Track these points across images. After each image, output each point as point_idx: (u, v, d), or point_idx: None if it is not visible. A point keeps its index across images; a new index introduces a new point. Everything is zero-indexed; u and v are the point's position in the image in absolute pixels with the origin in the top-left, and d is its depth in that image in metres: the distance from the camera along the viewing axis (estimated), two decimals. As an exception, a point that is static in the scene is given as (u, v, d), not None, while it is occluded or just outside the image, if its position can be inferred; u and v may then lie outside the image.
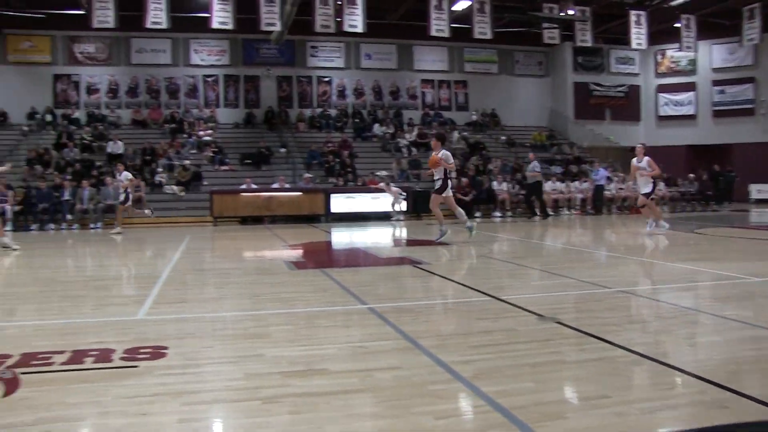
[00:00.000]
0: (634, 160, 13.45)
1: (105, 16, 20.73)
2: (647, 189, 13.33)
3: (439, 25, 22.96)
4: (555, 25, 24.99)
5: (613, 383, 3.64)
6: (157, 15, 20.77)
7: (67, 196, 19.09)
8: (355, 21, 22.12)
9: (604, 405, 3.29)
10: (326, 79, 28.34)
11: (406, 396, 3.50)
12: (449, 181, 12.32)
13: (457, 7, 24.01)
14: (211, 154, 23.37)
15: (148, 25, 20.92)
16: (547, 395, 3.49)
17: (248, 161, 23.27)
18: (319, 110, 27.73)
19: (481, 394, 3.46)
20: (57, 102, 26.65)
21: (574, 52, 29.82)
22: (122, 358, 4.35)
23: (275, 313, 5.88)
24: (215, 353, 4.49)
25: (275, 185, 20.05)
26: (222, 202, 19.06)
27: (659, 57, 31.34)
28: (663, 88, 31.37)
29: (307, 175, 21.20)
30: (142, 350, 4.54)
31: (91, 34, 26.09)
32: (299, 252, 11.52)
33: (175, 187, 20.92)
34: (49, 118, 25.80)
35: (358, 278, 8.11)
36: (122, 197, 16.96)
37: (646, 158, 13.31)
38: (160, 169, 21.82)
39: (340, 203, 19.53)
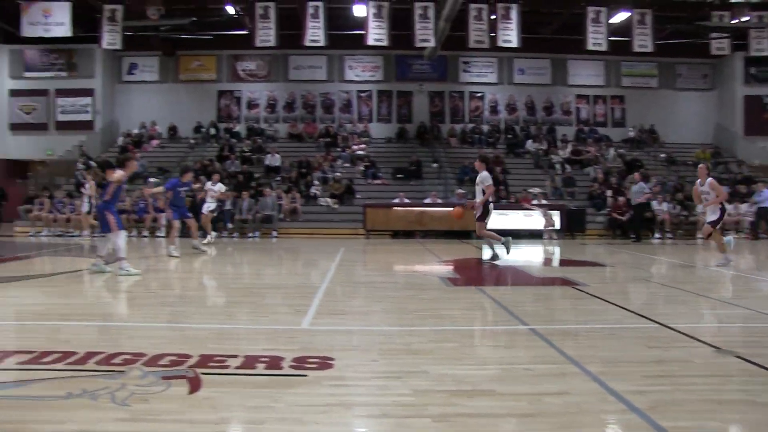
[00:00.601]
0: (697, 182, 12.00)
1: (266, 35, 21.73)
2: (714, 216, 11.49)
3: (596, 39, 22.23)
4: (725, 35, 23.50)
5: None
6: (315, 33, 21.54)
7: (228, 205, 20.13)
8: (509, 36, 21.88)
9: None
10: (479, 95, 28.26)
11: (579, 424, 3.40)
12: (490, 206, 12.02)
13: (616, 19, 23.05)
14: (364, 168, 23.90)
15: (306, 43, 21.73)
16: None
17: (400, 175, 23.61)
18: (471, 126, 27.66)
19: (660, 429, 3.28)
20: (220, 116, 28.40)
21: (745, 63, 27.75)
22: (291, 366, 4.51)
23: (436, 330, 5.89)
24: (381, 367, 4.55)
25: (427, 200, 20.21)
26: (375, 215, 19.43)
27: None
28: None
29: (459, 190, 21.19)
30: (309, 360, 4.68)
31: (253, 53, 27.62)
32: (454, 268, 11.50)
33: (329, 200, 21.55)
34: (213, 131, 27.60)
35: (515, 297, 7.98)
36: (213, 206, 17.02)
37: (709, 180, 11.56)
38: (316, 182, 22.56)
39: (491, 220, 19.22)
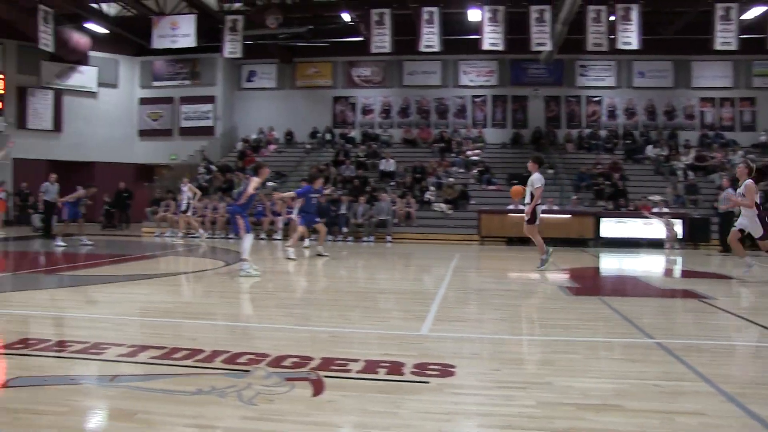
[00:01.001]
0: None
1: (382, 41, 21.98)
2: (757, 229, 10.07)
3: (725, 37, 21.05)
4: None
5: None
6: (430, 39, 21.61)
7: (343, 210, 20.48)
8: (629, 38, 21.15)
9: None
10: (596, 99, 27.44)
11: (718, 447, 3.24)
12: (539, 209, 11.61)
13: (748, 15, 21.74)
14: (479, 174, 23.74)
15: (421, 49, 21.82)
16: None
17: (515, 181, 23.22)
18: (588, 131, 26.91)
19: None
20: (335, 122, 29.00)
21: None
22: (413, 373, 4.53)
23: (558, 340, 5.77)
24: (503, 377, 4.50)
25: (543, 207, 19.78)
26: (489, 221, 19.26)
27: None
28: None
29: (575, 197, 20.69)
30: (430, 366, 4.69)
31: (368, 59, 28.05)
32: (572, 276, 11.22)
33: (443, 205, 21.53)
34: (328, 136, 28.18)
35: (638, 309, 7.70)
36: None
37: (747, 182, 10.11)
38: (430, 188, 22.60)
39: (610, 228, 18.78)
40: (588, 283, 10.88)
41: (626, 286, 10.76)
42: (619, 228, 18.85)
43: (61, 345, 5.28)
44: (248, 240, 10.34)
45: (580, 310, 7.44)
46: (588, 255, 16.00)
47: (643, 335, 5.92)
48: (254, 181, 10.36)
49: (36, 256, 13.60)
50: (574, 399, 3.95)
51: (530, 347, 5.42)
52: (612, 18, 21.11)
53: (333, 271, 12.19)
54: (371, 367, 4.67)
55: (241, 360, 4.79)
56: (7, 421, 3.51)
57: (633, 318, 6.71)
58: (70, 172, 27.43)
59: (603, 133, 26.79)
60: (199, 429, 3.43)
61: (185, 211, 19.68)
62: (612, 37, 21.24)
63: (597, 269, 13.69)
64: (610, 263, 15.14)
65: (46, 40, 22.33)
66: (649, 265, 14.59)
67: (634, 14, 20.93)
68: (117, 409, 3.72)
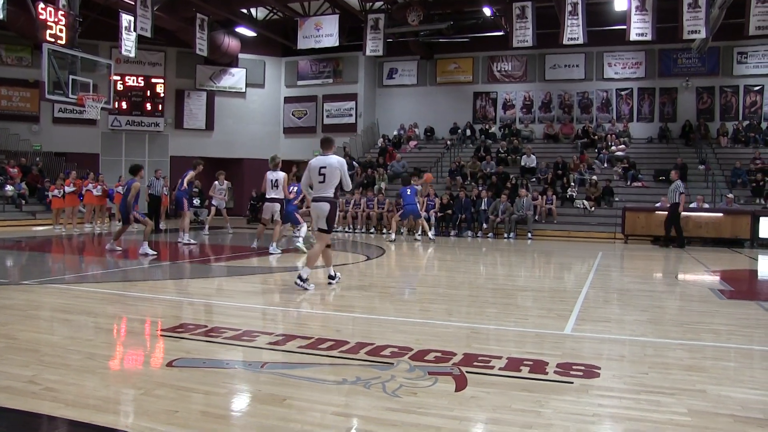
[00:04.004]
0: None
1: (524, 35, 21.53)
2: None
3: None
4: None
5: None
6: (573, 31, 20.92)
7: (484, 206, 20.32)
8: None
9: None
10: (756, 88, 25.43)
11: None
12: None
13: None
14: (623, 170, 22.84)
15: (565, 42, 21.16)
16: None
17: (662, 178, 22.19)
18: (745, 123, 25.10)
19: None
20: (476, 117, 28.79)
21: None
22: (556, 372, 4.45)
23: (711, 346, 5.45)
24: (651, 381, 4.31)
25: (693, 205, 18.77)
26: (634, 219, 18.49)
27: None
28: None
29: (729, 195, 19.43)
30: (574, 367, 4.59)
31: (509, 53, 27.63)
32: (725, 278, 10.57)
33: (585, 202, 20.92)
34: (468, 132, 28.00)
35: (802, 315, 7.13)
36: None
37: None
38: (572, 184, 22.01)
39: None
40: (743, 287, 10.22)
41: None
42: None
43: (216, 331, 5.61)
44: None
45: (735, 316, 6.98)
46: (743, 256, 14.98)
47: (809, 345, 5.48)
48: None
49: (185, 249, 14.39)
50: (730, 410, 3.72)
51: (681, 352, 5.13)
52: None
53: (472, 266, 12.12)
54: (514, 364, 4.63)
55: (385, 353, 4.88)
56: (174, 397, 3.79)
57: (797, 325, 6.24)
58: (221, 168, 29.10)
59: (764, 125, 24.88)
60: (345, 418, 3.53)
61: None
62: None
63: (754, 272, 12.80)
64: (770, 266, 14.12)
65: (201, 46, 23.77)
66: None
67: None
68: (268, 394, 3.89)
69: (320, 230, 8.32)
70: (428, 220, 20.28)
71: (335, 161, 8.16)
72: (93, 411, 3.51)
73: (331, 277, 8.71)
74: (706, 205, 18.86)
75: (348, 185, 8.50)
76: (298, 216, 13.56)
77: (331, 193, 8.21)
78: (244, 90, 30.10)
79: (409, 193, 17.34)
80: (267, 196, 13.10)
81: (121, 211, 12.83)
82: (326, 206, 8.15)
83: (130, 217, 12.58)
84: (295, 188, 13.44)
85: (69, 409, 3.53)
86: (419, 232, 18.11)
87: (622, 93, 26.96)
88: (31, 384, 3.97)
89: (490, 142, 26.69)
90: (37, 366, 4.38)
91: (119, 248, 12.86)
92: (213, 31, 25.44)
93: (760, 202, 19.59)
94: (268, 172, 13.01)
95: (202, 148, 28.69)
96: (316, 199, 8.26)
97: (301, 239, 13.30)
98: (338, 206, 9.02)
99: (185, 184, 15.08)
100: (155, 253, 12.17)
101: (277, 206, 13.07)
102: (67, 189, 19.27)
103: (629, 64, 26.93)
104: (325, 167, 8.13)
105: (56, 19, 18.28)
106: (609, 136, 25.41)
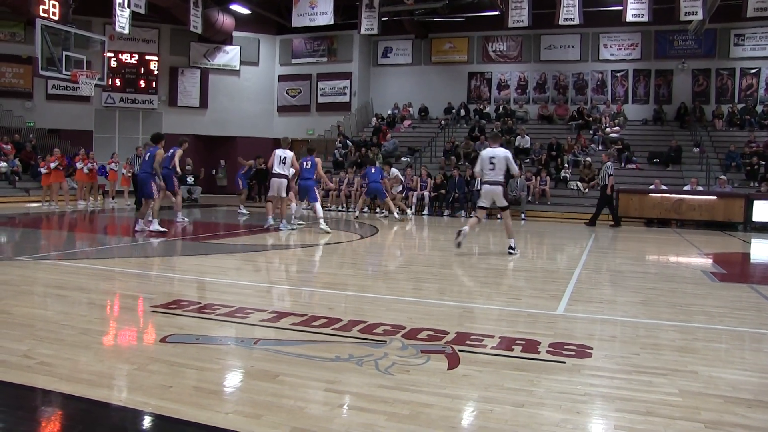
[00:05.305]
0: None
1: (519, 15, 21.40)
2: None
3: None
4: None
5: None
6: (569, 12, 20.79)
7: (477, 186, 20.28)
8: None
9: None
10: (752, 71, 25.35)
11: None
12: None
13: None
14: (617, 152, 22.82)
15: (561, 22, 21.03)
16: None
17: (656, 160, 22.23)
18: (741, 106, 25.05)
19: None
20: (470, 98, 28.72)
21: None
22: (548, 352, 4.48)
23: (703, 328, 5.48)
24: (642, 361, 4.34)
25: (687, 187, 18.81)
26: (628, 201, 18.50)
27: None
28: None
29: (722, 177, 19.48)
30: (567, 346, 4.62)
31: (504, 34, 27.51)
32: (718, 261, 10.62)
33: (579, 184, 20.94)
34: (463, 112, 27.93)
35: (794, 298, 7.18)
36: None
37: None
38: (566, 165, 22.01)
39: (764, 211, 17.41)
40: (736, 269, 10.28)
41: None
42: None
43: (209, 307, 5.63)
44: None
45: (727, 298, 7.03)
46: (736, 240, 15.04)
47: (800, 327, 5.52)
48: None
49: (183, 226, 14.36)
50: (721, 391, 3.74)
51: (673, 333, 5.16)
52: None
53: (465, 246, 12.13)
54: (506, 343, 4.66)
55: (378, 330, 4.91)
56: (167, 373, 3.82)
57: (788, 308, 6.28)
58: (215, 146, 29.06)
59: (760, 108, 24.81)
60: (338, 394, 3.54)
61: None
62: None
63: (747, 255, 12.86)
64: (763, 249, 14.16)
65: (195, 23, 23.52)
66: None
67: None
68: (261, 370, 3.91)
69: (502, 208, 10.43)
70: (422, 199, 20.35)
71: (502, 153, 10.09)
72: (87, 385, 3.53)
73: (511, 248, 10.36)
74: (700, 188, 18.90)
75: (515, 171, 10.73)
76: (316, 191, 13.66)
77: (501, 178, 10.06)
78: (238, 68, 29.92)
79: (373, 171, 17.89)
80: (273, 172, 13.17)
81: (145, 183, 12.33)
82: (499, 188, 10.03)
83: (154, 188, 12.29)
84: (309, 162, 13.42)
85: (63, 384, 3.54)
86: (385, 212, 18.93)
87: (618, 74, 26.89)
88: (26, 358, 3.99)
89: (484, 122, 26.57)
90: (31, 341, 4.39)
91: (154, 228, 12.19)
92: (207, 8, 25.21)
93: (754, 186, 19.61)
94: (278, 150, 13.20)
95: (196, 126, 28.62)
96: (489, 182, 10.03)
97: (321, 221, 13.22)
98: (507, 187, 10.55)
99: (174, 162, 14.72)
100: (165, 230, 12.13)
101: (284, 182, 13.19)
102: (52, 165, 18.93)
103: (625, 46, 26.85)
104: (494, 157, 9.99)
105: (49, -6, 18.12)
106: (604, 117, 25.36)
